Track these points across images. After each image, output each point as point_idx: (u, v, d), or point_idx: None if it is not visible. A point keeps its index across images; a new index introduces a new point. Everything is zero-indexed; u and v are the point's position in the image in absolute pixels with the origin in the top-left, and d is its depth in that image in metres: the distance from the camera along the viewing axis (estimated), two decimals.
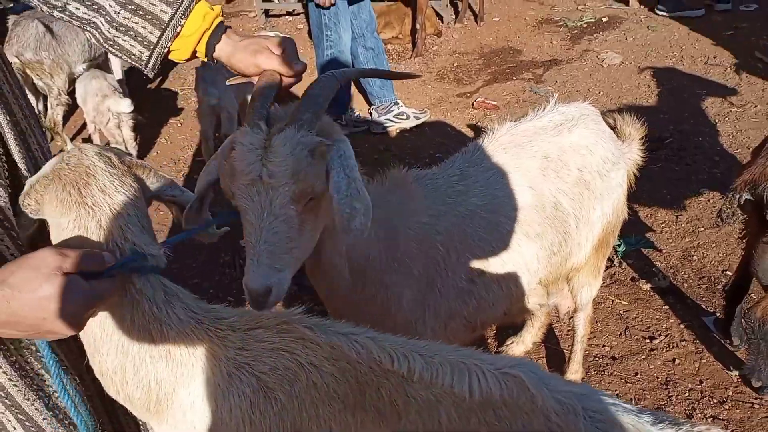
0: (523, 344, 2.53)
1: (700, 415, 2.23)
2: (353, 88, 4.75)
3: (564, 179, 1.81)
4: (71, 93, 4.19)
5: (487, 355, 1.03)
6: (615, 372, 2.45)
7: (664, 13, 5.70)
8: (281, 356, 1.02)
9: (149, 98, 5.20)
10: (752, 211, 2.12)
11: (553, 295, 2.19)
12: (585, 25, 5.86)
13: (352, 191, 1.24)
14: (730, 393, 2.31)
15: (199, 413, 1.03)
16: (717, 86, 4.51)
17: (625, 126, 2.10)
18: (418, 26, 5.56)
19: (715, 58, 4.93)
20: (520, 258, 1.76)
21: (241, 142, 1.20)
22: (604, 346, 2.58)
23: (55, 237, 0.99)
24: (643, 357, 2.50)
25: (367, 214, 1.26)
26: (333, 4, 3.96)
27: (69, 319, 0.84)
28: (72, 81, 4.19)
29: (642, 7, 6.05)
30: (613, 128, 2.10)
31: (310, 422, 1.01)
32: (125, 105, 3.82)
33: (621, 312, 2.74)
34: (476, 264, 1.68)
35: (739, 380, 2.34)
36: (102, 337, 1.00)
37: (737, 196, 2.06)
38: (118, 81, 4.57)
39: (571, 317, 2.34)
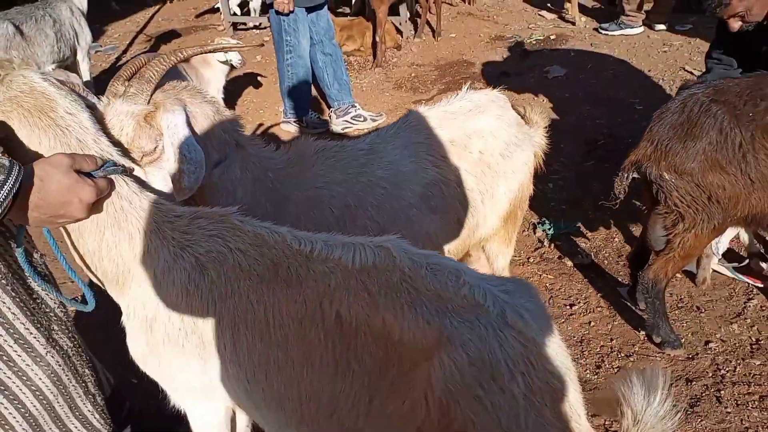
0: None
1: (608, 366, 2.49)
2: (313, 92, 5.02)
3: (466, 160, 2.04)
4: None
5: (370, 238, 1.31)
6: None
7: (607, 32, 6.15)
8: (215, 242, 1.29)
9: None
10: (643, 187, 2.42)
11: (470, 264, 2.44)
12: (534, 42, 6.27)
13: (178, 156, 1.53)
14: (637, 348, 2.57)
15: (151, 284, 1.28)
16: (649, 96, 4.90)
17: (532, 114, 2.37)
18: (378, 40, 5.89)
19: (649, 71, 5.34)
20: (423, 228, 1.97)
21: None
22: None
23: (32, 153, 1.22)
24: (563, 320, 2.76)
25: (197, 172, 1.55)
26: (292, 11, 4.24)
27: (82, 204, 1.15)
28: None
29: (587, 26, 6.50)
30: (522, 116, 2.38)
31: (233, 293, 1.28)
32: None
33: (547, 284, 3.01)
34: (374, 228, 1.88)
35: (645, 338, 2.61)
36: (85, 224, 1.25)
37: (625, 175, 2.36)
38: (86, 83, 4.77)
39: None
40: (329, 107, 4.87)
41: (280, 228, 1.32)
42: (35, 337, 1.42)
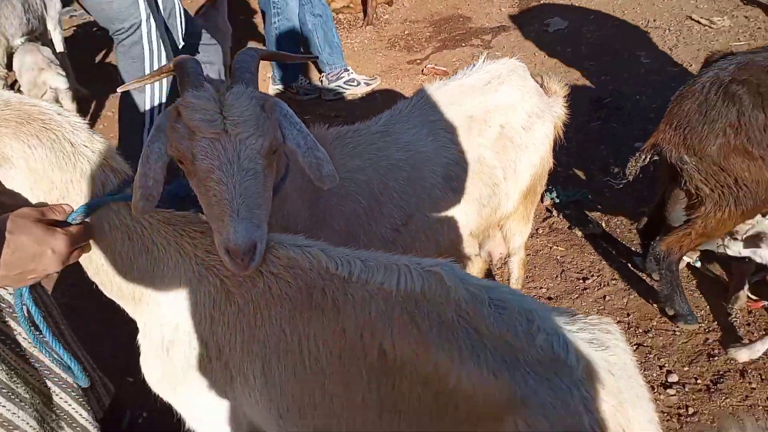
0: None
1: None
2: None
3: (486, 136, 1.91)
4: (10, 66, 4.11)
5: (418, 258, 1.15)
6: None
7: None
8: None
9: (94, 71, 5.11)
10: (663, 167, 2.29)
11: (487, 243, 2.31)
12: None
13: (310, 143, 1.28)
14: (654, 323, 2.48)
15: (171, 305, 1.14)
16: (655, 48, 4.68)
17: (551, 83, 2.22)
18: None
19: (654, 21, 5.10)
20: (448, 210, 1.86)
21: (192, 102, 1.16)
22: (541, 288, 2.73)
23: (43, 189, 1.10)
24: (576, 296, 2.65)
25: (329, 162, 1.29)
26: None
27: (55, 255, 1.04)
28: (10, 55, 4.10)
29: None
30: (540, 85, 2.21)
31: (263, 322, 1.14)
32: (61, 81, 3.77)
33: (558, 257, 2.89)
34: (400, 215, 1.77)
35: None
36: (95, 245, 1.14)
37: (642, 157, 2.23)
38: (60, 54, 4.49)
39: (505, 262, 2.47)
40: (320, 71, 4.63)
41: (314, 248, 1.16)
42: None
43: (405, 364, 1.06)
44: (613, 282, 2.71)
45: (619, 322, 2.50)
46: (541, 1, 5.74)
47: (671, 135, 2.15)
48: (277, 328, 1.13)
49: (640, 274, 2.71)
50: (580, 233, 3.01)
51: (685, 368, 2.27)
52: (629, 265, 2.78)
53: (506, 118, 1.94)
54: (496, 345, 1.02)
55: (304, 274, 1.13)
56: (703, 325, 2.43)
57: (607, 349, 1.04)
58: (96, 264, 1.16)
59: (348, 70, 4.54)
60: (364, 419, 1.12)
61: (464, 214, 1.91)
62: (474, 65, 2.01)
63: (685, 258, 2.68)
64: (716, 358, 2.29)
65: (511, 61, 2.05)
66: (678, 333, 2.42)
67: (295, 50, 4.40)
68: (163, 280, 1.15)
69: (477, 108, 1.90)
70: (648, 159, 2.24)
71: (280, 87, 4.53)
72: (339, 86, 4.50)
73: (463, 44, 5.23)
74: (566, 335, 1.03)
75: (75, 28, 6.19)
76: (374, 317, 1.08)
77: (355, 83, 4.54)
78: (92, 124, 4.33)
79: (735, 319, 2.43)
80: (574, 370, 1.00)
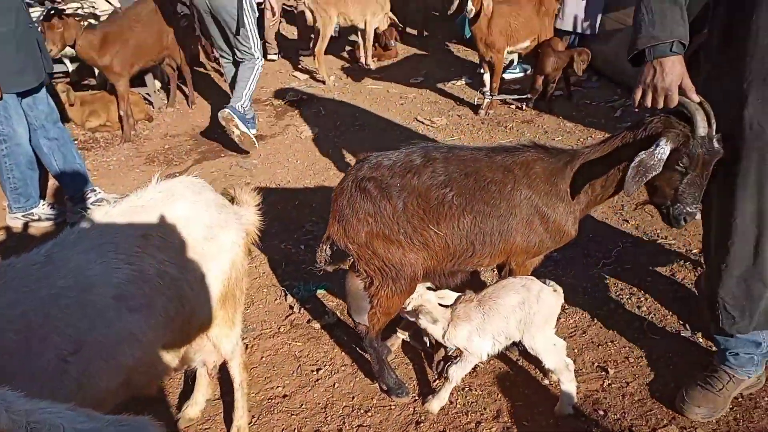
0: (197, 405, 2.66)
1: (348, 426, 2.59)
2: (51, 180, 4.59)
3: (166, 250, 2.03)
4: None
5: None
6: (283, 408, 2.71)
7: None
8: None
9: None
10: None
11: (197, 354, 2.39)
12: (287, 103, 6.52)
13: None
14: (375, 402, 2.72)
15: None
16: (390, 146, 5.38)
17: (242, 194, 2.47)
18: (122, 113, 5.62)
19: (389, 121, 5.87)
20: (126, 329, 1.90)
21: None
22: (277, 387, 2.84)
23: None
24: (309, 388, 2.81)
25: None
26: (0, 98, 3.84)
27: None
28: None
29: (336, 84, 6.96)
30: (232, 197, 2.45)
31: None
32: None
33: (296, 353, 3.06)
34: (67, 343, 1.75)
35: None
36: None
37: (324, 248, 2.55)
38: None
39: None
40: (65, 195, 4.47)
41: None
42: None
43: None
44: (343, 368, 2.93)
45: (345, 407, 2.70)
46: (295, 112, 6.30)
47: (337, 228, 2.48)
48: None
49: (366, 355, 2.97)
50: (317, 325, 3.23)
51: None
52: (357, 348, 3.04)
53: (185, 231, 2.09)
54: None
55: None
56: (414, 395, 2.74)
57: None
58: None
59: (95, 191, 4.45)
60: None
61: (150, 330, 1.96)
62: (148, 185, 2.16)
63: (399, 335, 3.03)
64: (422, 424, 2.58)
65: (187, 179, 2.26)
66: (393, 407, 2.68)
67: (31, 175, 4.22)
68: None
69: (152, 225, 2.03)
70: (327, 249, 2.54)
71: (18, 215, 4.26)
72: (86, 207, 4.37)
73: (223, 155, 5.47)
74: None
75: None
76: None
77: (105, 203, 4.45)
78: None
79: (439, 384, 2.78)
80: None
